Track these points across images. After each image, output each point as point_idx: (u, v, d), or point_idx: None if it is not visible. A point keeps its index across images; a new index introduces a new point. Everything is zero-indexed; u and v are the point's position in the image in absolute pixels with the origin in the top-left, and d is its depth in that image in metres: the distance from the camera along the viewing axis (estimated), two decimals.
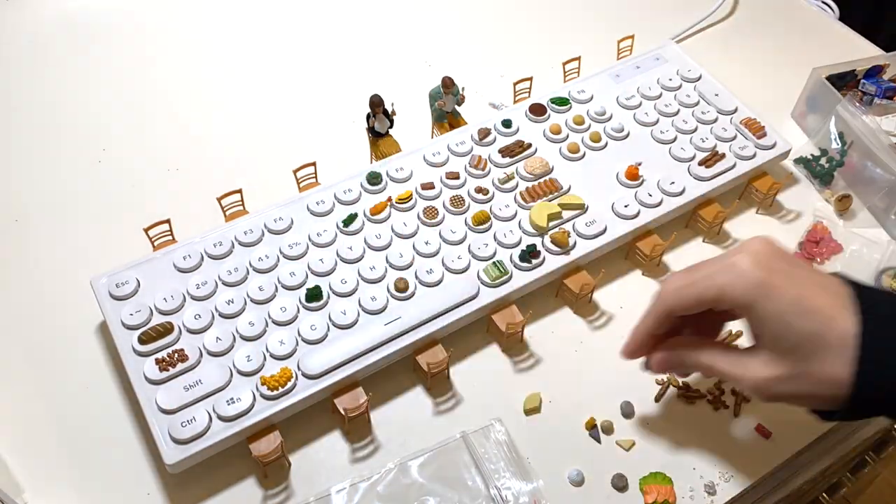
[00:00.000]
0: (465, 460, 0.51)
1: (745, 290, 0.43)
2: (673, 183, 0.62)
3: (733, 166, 0.64)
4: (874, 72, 0.73)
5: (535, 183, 0.61)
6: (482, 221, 0.59)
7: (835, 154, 0.67)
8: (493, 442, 0.52)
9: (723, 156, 0.64)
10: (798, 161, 0.69)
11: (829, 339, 0.41)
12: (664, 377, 0.55)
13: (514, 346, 0.57)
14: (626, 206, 0.60)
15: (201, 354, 0.51)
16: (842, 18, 0.85)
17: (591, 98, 0.68)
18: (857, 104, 0.68)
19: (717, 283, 0.44)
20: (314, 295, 0.54)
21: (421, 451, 0.51)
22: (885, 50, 0.79)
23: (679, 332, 0.49)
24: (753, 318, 0.43)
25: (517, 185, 0.61)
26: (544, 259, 0.57)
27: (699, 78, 0.70)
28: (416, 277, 0.56)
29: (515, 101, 0.68)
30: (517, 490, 0.50)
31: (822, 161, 0.67)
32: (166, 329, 0.52)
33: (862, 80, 0.73)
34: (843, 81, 0.72)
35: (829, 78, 0.70)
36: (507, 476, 0.50)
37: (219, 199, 0.58)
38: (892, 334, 0.41)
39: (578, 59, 0.69)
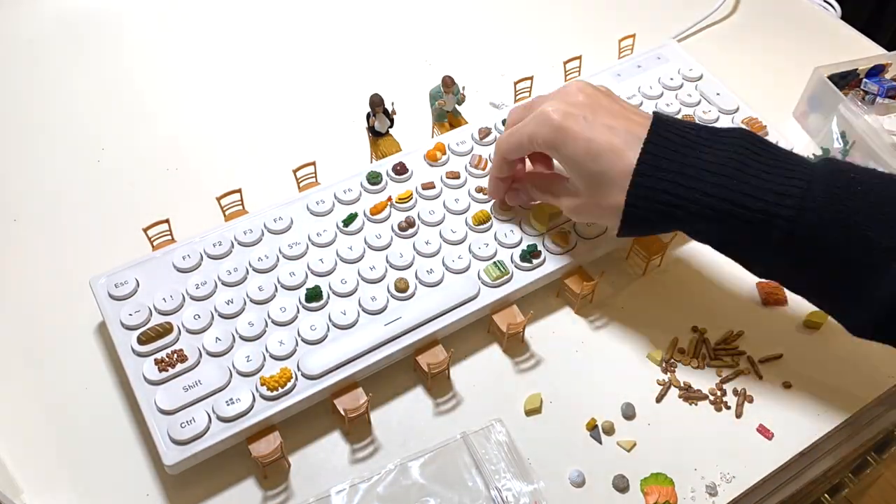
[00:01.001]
0: (466, 461, 0.51)
1: (546, 137, 0.50)
2: None
3: None
4: (876, 71, 0.73)
5: None
6: (483, 221, 0.58)
7: (837, 154, 0.67)
8: (493, 443, 0.51)
9: None
10: None
11: (611, 176, 0.48)
12: (666, 377, 0.55)
13: (515, 347, 0.57)
14: None
15: (201, 355, 0.51)
16: (844, 17, 0.85)
17: None
18: (860, 103, 0.67)
19: (528, 130, 0.51)
20: (314, 295, 0.54)
21: (421, 451, 0.51)
22: (887, 49, 0.78)
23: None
24: (558, 158, 0.52)
25: None
26: (545, 259, 0.57)
27: (700, 77, 0.70)
28: (417, 277, 0.55)
29: (516, 101, 0.68)
30: (518, 491, 0.49)
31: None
32: (165, 329, 0.51)
33: (864, 80, 0.72)
34: (845, 81, 0.71)
35: (830, 77, 0.70)
36: (508, 477, 0.50)
37: (218, 199, 0.58)
38: (663, 165, 0.47)
39: (579, 58, 0.69)
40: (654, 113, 0.50)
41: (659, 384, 0.55)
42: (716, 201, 0.45)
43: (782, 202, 0.44)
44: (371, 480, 0.49)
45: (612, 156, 0.48)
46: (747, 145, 0.46)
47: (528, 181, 0.57)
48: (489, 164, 0.62)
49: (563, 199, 0.54)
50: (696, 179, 0.46)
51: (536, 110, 0.51)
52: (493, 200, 0.59)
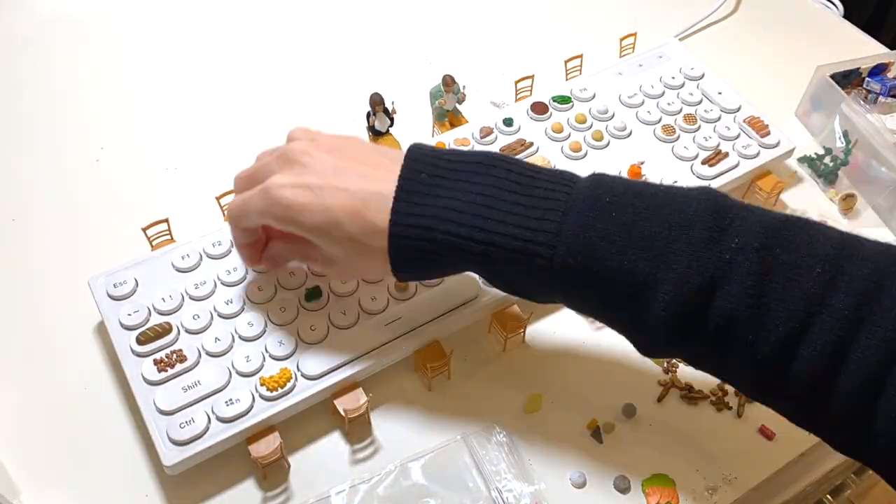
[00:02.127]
0: (466, 462, 0.50)
1: (280, 215, 0.46)
2: (676, 182, 0.61)
3: (737, 165, 0.63)
4: (878, 70, 0.72)
5: None
6: None
7: (839, 153, 0.66)
8: (494, 443, 0.51)
9: (726, 154, 0.63)
10: (802, 160, 0.68)
11: (362, 239, 0.45)
12: (667, 378, 0.55)
13: (516, 347, 0.56)
14: None
15: (200, 355, 0.51)
16: (846, 16, 0.85)
17: (594, 96, 0.67)
18: (862, 102, 0.67)
19: (257, 208, 0.47)
20: (314, 295, 0.53)
21: (421, 452, 0.51)
22: (889, 48, 0.78)
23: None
24: (301, 233, 0.47)
25: None
26: None
27: (702, 76, 0.69)
28: None
29: (517, 100, 0.67)
30: (518, 492, 0.49)
31: (826, 160, 0.67)
32: (165, 329, 0.51)
33: (866, 79, 0.72)
34: (848, 80, 0.71)
35: (833, 76, 0.69)
36: (509, 478, 0.50)
37: (218, 199, 0.58)
38: (414, 211, 0.44)
39: (580, 56, 0.69)
40: (409, 149, 0.46)
41: (660, 384, 0.55)
42: (472, 243, 0.43)
43: (536, 238, 0.41)
44: (371, 481, 0.49)
45: (354, 219, 0.44)
46: (503, 175, 0.43)
47: (279, 243, 0.52)
48: None
49: (323, 267, 0.51)
50: (450, 222, 0.43)
51: (260, 185, 0.47)
52: (247, 261, 0.54)
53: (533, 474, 0.50)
